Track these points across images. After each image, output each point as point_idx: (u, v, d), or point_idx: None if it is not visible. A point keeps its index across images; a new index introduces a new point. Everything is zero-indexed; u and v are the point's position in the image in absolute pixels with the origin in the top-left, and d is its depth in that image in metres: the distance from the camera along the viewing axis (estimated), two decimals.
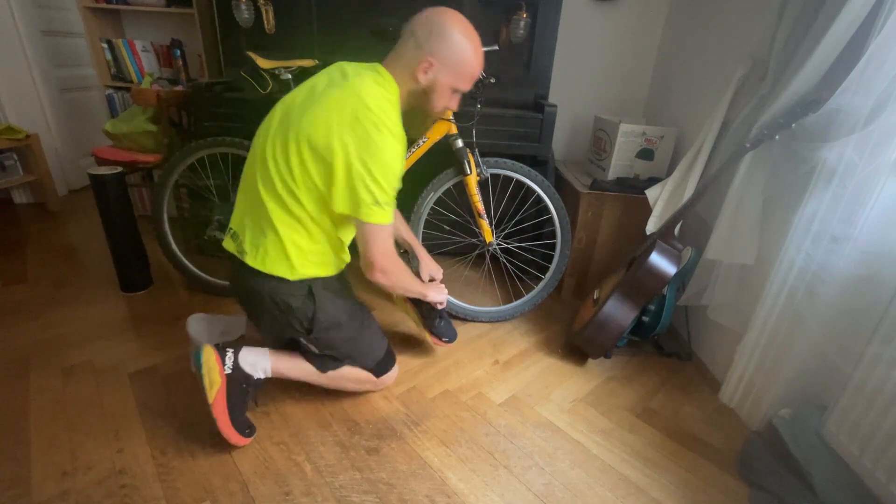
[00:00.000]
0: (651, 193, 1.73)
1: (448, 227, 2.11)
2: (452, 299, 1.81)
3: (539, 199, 1.77)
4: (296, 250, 1.14)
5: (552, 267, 1.84)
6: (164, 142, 2.16)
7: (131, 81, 2.49)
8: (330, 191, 1.08)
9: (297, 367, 1.26)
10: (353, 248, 1.21)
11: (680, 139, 1.93)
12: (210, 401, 1.12)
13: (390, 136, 1.07)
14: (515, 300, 1.89)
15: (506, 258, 2.02)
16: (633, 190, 1.85)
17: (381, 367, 1.36)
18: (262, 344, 1.27)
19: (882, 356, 1.00)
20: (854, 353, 1.08)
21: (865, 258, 1.08)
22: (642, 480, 1.20)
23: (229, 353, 1.18)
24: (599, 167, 2.01)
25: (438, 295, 1.46)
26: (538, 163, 1.86)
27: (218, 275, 1.89)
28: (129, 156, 2.14)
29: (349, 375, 1.32)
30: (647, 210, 1.72)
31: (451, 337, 1.57)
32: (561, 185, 2.07)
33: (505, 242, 1.93)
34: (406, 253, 1.59)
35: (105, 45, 2.44)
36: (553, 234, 1.81)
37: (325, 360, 1.27)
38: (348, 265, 1.32)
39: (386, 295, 1.97)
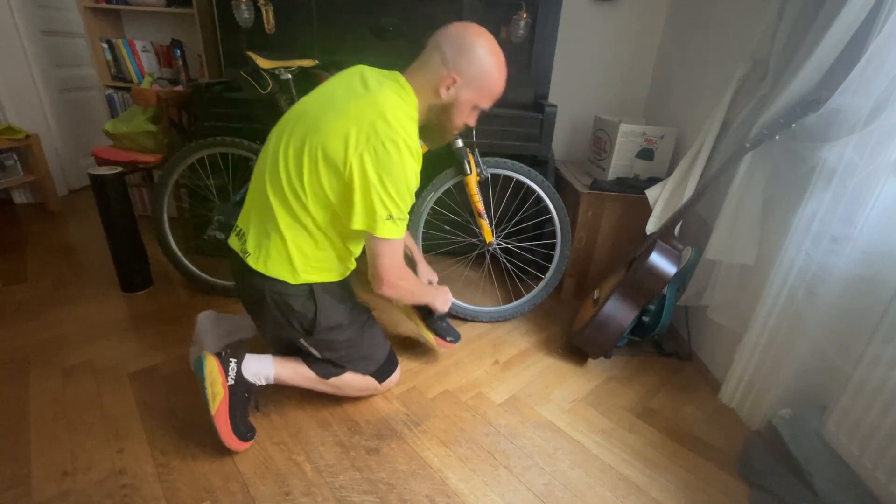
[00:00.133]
0: (651, 193, 1.73)
1: (448, 227, 2.11)
2: (452, 299, 1.81)
3: (539, 199, 1.77)
4: (299, 255, 1.13)
5: (552, 267, 1.84)
6: (164, 142, 2.16)
7: (131, 81, 2.49)
8: (348, 211, 1.07)
9: (299, 375, 1.25)
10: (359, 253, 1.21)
11: (680, 139, 1.93)
12: (213, 413, 1.12)
13: (408, 152, 1.06)
14: (515, 300, 1.89)
15: (506, 258, 2.02)
16: (633, 190, 1.85)
17: (383, 372, 1.34)
18: (268, 347, 1.26)
19: (882, 356, 1.00)
20: (854, 353, 1.08)
21: (865, 258, 1.08)
22: (642, 480, 1.20)
23: (232, 364, 1.17)
24: (599, 167, 2.01)
25: (445, 305, 1.48)
26: (538, 163, 1.86)
27: (218, 275, 1.89)
28: (129, 156, 2.14)
29: (352, 383, 1.31)
30: (647, 210, 1.72)
31: (455, 337, 1.57)
32: (561, 185, 2.06)
33: (505, 242, 1.93)
34: (405, 256, 1.60)
35: (105, 45, 2.44)
36: (553, 234, 1.81)
37: (327, 366, 1.27)
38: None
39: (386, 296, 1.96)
